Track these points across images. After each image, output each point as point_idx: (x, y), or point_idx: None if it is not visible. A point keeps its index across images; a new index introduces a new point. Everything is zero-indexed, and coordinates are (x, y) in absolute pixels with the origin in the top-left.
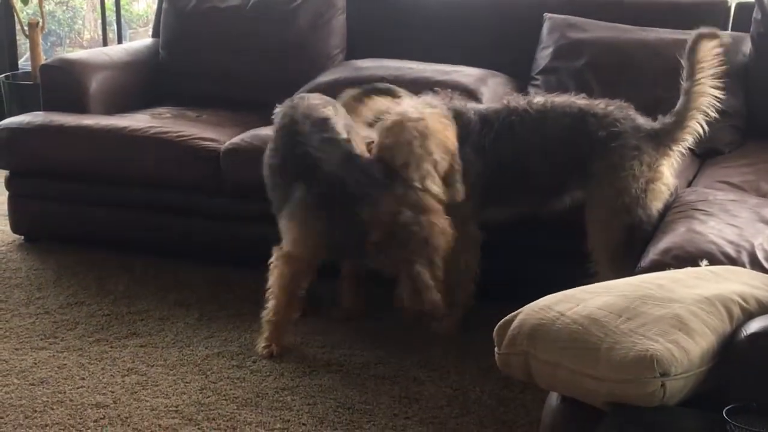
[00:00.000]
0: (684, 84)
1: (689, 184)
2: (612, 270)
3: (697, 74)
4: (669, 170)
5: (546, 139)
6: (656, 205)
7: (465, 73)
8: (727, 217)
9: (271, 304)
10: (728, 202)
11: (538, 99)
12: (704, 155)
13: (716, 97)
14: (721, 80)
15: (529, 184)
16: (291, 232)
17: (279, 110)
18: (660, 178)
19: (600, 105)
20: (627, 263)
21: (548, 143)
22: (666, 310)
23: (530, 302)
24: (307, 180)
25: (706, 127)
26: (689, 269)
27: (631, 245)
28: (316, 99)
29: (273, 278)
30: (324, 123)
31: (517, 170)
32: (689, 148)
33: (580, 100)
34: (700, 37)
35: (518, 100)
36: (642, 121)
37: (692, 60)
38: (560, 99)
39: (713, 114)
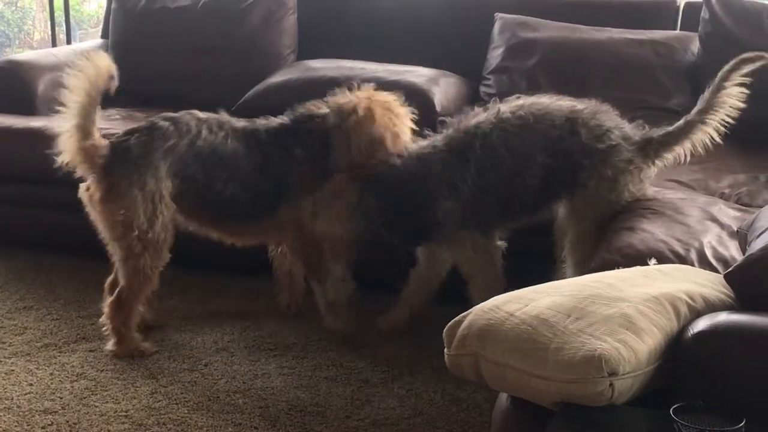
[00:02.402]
0: (692, 113)
1: None
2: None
3: (709, 113)
4: (648, 179)
5: (534, 151)
6: None
7: (417, 74)
8: (676, 216)
9: None
10: (677, 200)
11: (512, 109)
12: None
13: (713, 138)
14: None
15: (521, 199)
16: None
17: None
18: (644, 188)
19: (586, 111)
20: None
21: (537, 155)
22: (614, 310)
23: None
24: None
25: (688, 155)
26: (638, 268)
27: None
28: None
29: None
30: None
31: (508, 189)
32: None
33: (563, 104)
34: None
35: (488, 118)
36: (628, 128)
37: (714, 96)
38: (538, 106)
39: (701, 150)
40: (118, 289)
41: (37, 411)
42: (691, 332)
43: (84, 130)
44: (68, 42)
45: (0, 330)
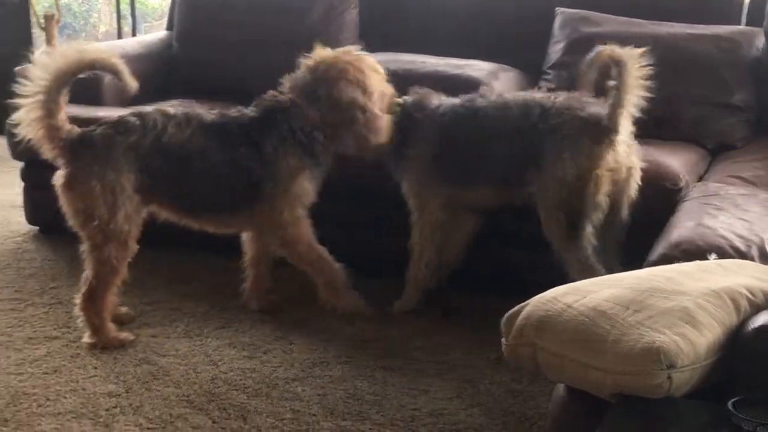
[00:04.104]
0: (615, 81)
1: (700, 179)
2: (566, 252)
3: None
4: (613, 156)
5: (502, 129)
6: (603, 191)
7: (477, 68)
8: (737, 212)
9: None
10: (739, 196)
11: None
12: (715, 150)
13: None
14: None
15: (488, 169)
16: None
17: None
18: (601, 166)
19: (549, 97)
20: (577, 247)
21: (504, 134)
22: (673, 303)
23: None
24: None
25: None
26: (697, 262)
27: (579, 232)
28: None
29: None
30: None
31: (475, 154)
32: (701, 144)
33: (535, 94)
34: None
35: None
36: (592, 110)
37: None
38: (516, 94)
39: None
40: (88, 281)
41: (101, 393)
42: (752, 327)
43: (47, 107)
44: (133, 34)
45: (66, 315)
